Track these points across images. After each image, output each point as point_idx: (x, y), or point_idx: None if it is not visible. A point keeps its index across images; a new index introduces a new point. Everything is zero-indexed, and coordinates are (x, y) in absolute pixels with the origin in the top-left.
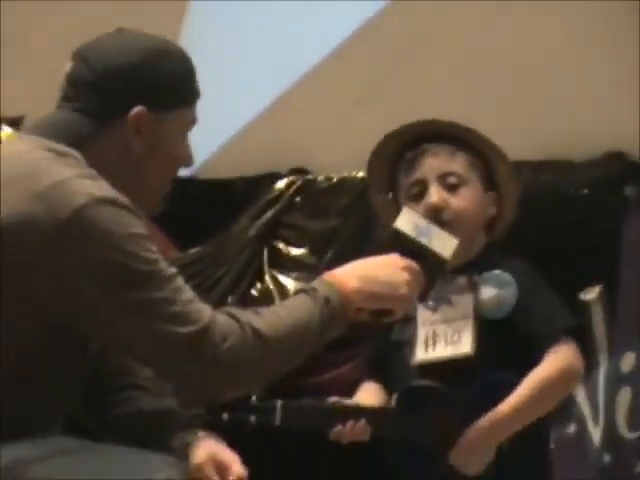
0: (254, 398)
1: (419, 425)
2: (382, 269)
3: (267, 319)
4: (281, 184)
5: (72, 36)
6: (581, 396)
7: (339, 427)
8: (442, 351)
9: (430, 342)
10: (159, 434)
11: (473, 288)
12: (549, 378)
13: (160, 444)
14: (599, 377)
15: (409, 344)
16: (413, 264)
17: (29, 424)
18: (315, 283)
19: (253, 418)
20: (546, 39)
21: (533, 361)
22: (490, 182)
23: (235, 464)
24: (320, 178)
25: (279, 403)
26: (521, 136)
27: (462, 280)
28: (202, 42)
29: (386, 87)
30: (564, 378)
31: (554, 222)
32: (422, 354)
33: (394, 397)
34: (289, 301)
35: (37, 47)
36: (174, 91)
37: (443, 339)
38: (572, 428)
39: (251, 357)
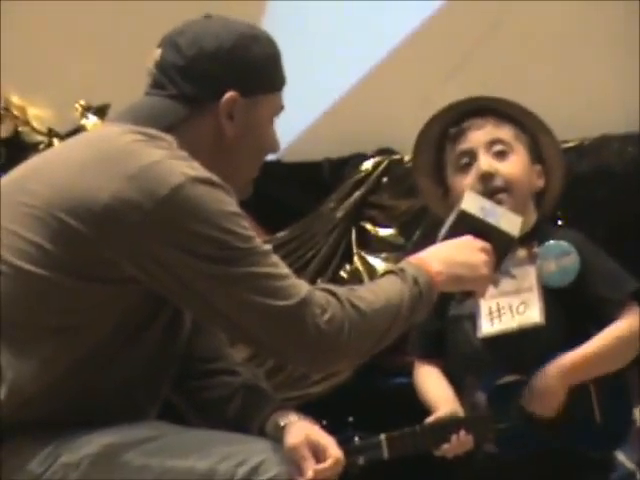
0: (356, 439)
1: (512, 417)
2: (460, 251)
3: (362, 295)
4: (367, 165)
5: (150, 36)
6: None
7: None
8: (510, 322)
9: (495, 315)
10: (252, 417)
11: (534, 259)
12: (623, 335)
13: (252, 427)
14: None
15: (469, 318)
16: (487, 244)
17: (125, 409)
18: (402, 264)
19: (361, 459)
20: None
21: (599, 327)
22: (536, 156)
23: (331, 447)
24: (406, 158)
25: (383, 437)
26: (607, 110)
27: (522, 252)
28: (285, 25)
29: (471, 65)
30: (635, 337)
31: None
32: (488, 327)
33: (479, 395)
34: (379, 280)
35: (124, 36)
36: (265, 76)
37: (509, 311)
38: None
39: (351, 328)
